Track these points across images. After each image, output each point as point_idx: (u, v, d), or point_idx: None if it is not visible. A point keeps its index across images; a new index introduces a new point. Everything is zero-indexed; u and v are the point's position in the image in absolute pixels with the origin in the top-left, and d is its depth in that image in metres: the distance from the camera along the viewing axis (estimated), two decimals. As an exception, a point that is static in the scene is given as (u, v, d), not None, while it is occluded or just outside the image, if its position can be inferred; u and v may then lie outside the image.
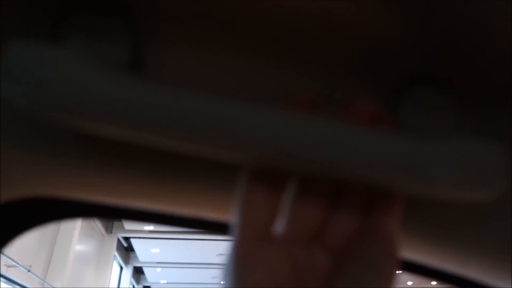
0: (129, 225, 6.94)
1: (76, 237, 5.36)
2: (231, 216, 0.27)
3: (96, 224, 6.46)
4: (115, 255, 7.23)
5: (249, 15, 0.30)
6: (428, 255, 0.53)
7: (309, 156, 0.25)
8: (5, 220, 0.53)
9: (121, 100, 0.24)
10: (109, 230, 7.06)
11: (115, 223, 7.06)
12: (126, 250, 8.22)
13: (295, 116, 0.26)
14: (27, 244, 4.45)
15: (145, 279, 9.35)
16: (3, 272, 3.84)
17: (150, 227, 6.89)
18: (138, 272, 9.20)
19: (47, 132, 0.41)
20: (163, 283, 9.69)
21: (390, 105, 0.35)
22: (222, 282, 0.26)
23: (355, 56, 0.33)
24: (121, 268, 8.16)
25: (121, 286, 7.99)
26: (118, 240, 7.36)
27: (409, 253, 0.54)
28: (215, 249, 7.67)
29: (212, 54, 0.33)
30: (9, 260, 3.81)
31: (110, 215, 0.56)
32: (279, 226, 0.28)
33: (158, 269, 8.78)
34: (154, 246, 7.67)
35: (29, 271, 4.25)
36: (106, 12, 0.30)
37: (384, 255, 0.26)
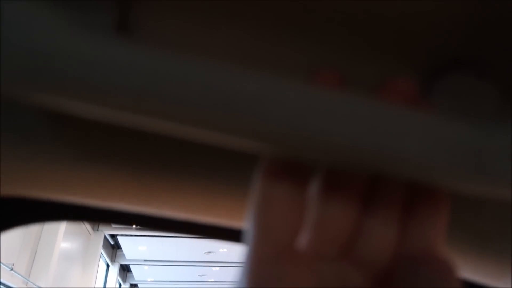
0: (116, 222, 6.86)
1: (61, 234, 5.27)
2: (242, 223, 0.22)
3: (82, 221, 6.37)
4: (101, 253, 7.13)
5: None
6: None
7: (341, 141, 0.19)
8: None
9: (113, 68, 0.18)
10: (95, 227, 6.97)
11: (102, 221, 6.97)
12: (113, 248, 8.14)
13: (324, 92, 0.20)
14: (10, 241, 4.36)
15: (132, 277, 9.28)
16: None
17: (137, 224, 6.82)
18: (125, 270, 9.12)
19: (29, 128, 0.36)
20: (150, 281, 9.63)
21: (426, 90, 0.30)
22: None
23: (391, 35, 0.27)
24: (108, 266, 8.06)
25: (107, 284, 7.91)
26: (105, 237, 7.27)
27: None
28: (203, 247, 7.64)
29: (215, 25, 0.27)
30: (-9, 259, 3.72)
31: (99, 218, 0.50)
32: (303, 237, 0.22)
33: (145, 267, 8.72)
34: (141, 244, 7.60)
35: (12, 269, 4.16)
36: None
37: (442, 279, 0.20)
